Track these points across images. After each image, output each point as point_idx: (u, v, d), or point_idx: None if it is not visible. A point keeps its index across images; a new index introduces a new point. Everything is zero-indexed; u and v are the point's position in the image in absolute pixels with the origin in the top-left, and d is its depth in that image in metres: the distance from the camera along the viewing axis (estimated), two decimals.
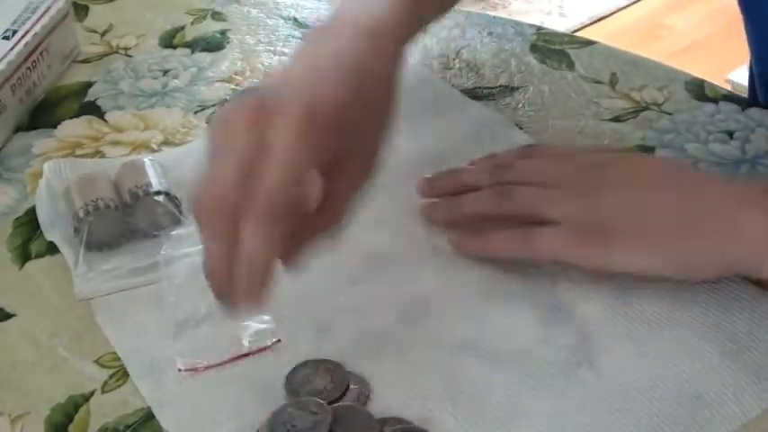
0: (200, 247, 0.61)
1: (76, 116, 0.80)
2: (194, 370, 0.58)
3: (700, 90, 0.79)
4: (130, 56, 0.87)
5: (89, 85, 0.83)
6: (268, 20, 0.90)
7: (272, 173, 0.51)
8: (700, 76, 0.80)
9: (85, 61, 0.86)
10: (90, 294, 0.63)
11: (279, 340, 0.59)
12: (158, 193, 0.66)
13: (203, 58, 0.86)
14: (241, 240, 0.51)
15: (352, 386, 0.56)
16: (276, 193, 0.51)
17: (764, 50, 0.83)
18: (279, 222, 0.51)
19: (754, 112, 0.76)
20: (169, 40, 0.89)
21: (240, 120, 0.53)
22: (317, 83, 0.54)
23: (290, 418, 0.53)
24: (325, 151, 0.54)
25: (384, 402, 0.55)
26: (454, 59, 0.83)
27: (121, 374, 0.58)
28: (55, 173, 0.70)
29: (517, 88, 0.80)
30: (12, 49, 0.77)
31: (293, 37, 0.88)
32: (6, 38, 0.78)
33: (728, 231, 0.57)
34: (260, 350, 0.58)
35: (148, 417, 0.56)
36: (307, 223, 0.55)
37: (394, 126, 0.60)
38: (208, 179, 0.53)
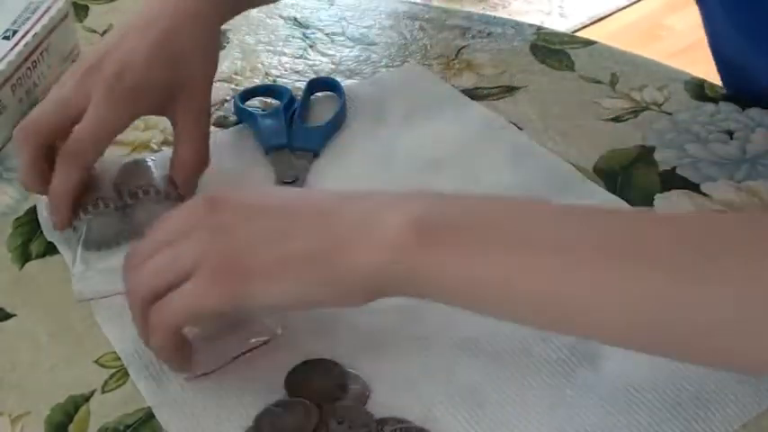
0: None
1: None
2: None
3: (700, 90, 0.79)
4: None
5: None
6: (268, 20, 0.90)
7: (82, 124, 0.63)
8: (700, 76, 0.80)
9: None
10: (88, 295, 0.63)
11: (279, 340, 0.59)
12: (158, 192, 0.66)
13: None
14: (54, 172, 0.64)
15: (351, 386, 0.56)
16: (80, 143, 0.63)
17: (715, 31, 0.82)
18: (78, 164, 0.64)
19: (754, 112, 0.76)
20: None
21: (79, 68, 0.66)
22: (127, 50, 0.65)
23: (277, 417, 0.53)
24: (135, 106, 0.65)
25: (384, 402, 0.55)
26: (454, 59, 0.83)
27: (121, 374, 0.58)
28: None
29: (517, 88, 0.80)
30: (12, 49, 0.77)
31: (293, 37, 0.88)
32: (6, 38, 0.78)
33: (368, 239, 0.50)
34: (260, 349, 0.58)
35: (148, 417, 0.56)
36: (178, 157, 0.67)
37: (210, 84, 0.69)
38: (35, 112, 0.66)
